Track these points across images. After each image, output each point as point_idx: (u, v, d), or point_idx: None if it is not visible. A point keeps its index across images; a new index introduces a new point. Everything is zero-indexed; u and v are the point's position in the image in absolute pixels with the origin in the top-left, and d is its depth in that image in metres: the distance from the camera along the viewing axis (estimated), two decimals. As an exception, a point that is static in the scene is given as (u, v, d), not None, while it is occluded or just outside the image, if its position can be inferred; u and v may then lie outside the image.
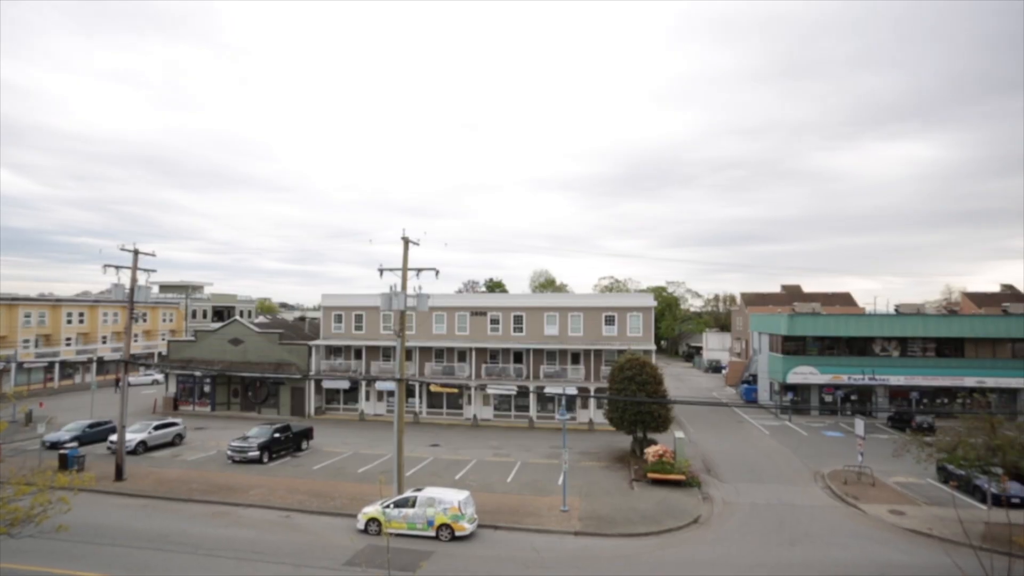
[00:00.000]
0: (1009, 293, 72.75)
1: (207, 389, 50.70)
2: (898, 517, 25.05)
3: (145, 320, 74.30)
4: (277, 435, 34.47)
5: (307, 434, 37.15)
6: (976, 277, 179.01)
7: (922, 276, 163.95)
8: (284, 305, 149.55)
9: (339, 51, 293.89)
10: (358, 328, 50.42)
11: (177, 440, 37.50)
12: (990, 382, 47.30)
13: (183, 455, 34.89)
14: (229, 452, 33.22)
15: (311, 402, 48.62)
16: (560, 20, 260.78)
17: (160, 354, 72.80)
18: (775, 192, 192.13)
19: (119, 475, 29.07)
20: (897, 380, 48.91)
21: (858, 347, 50.60)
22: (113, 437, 34.41)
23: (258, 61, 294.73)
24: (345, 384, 48.92)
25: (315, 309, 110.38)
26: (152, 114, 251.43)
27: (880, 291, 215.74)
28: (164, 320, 78.81)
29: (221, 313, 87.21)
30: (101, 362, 66.60)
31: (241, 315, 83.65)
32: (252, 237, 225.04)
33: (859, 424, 31.85)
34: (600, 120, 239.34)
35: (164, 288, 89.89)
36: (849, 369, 49.25)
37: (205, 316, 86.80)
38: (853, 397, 50.89)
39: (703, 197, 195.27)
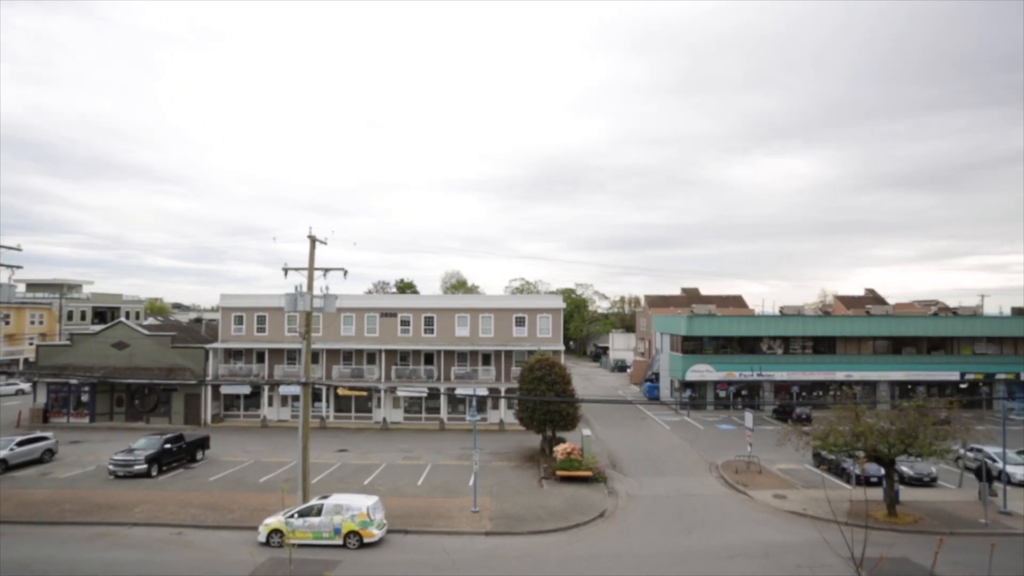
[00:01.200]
0: (871, 296, 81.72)
1: (85, 398, 46.09)
2: (780, 501, 27.40)
3: (8, 322, 66.30)
4: (168, 445, 32.03)
5: (203, 443, 34.84)
6: (846, 282, 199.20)
7: (802, 280, 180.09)
8: (178, 306, 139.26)
9: (236, 39, 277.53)
10: (260, 330, 47.90)
11: (47, 456, 33.78)
12: (856, 375, 52.87)
13: (54, 472, 31.52)
14: (111, 467, 30.39)
15: (208, 409, 45.57)
16: (473, 23, 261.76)
17: (27, 360, 65.30)
18: (677, 200, 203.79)
19: (-25, 498, 25.76)
20: (781, 375, 53.45)
21: (748, 346, 54.74)
22: (-33, 455, 30.43)
23: (144, 40, 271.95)
24: (246, 389, 46.31)
25: (213, 310, 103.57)
26: (15, 90, 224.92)
27: (767, 294, 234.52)
28: (33, 323, 70.72)
29: (103, 315, 79.59)
30: (-48, 370, 58.73)
31: (127, 316, 77.05)
32: (140, 232, 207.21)
33: (748, 417, 34.48)
34: (512, 124, 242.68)
35: (33, 287, 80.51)
36: (741, 366, 53.18)
37: (84, 318, 78.84)
38: (744, 392, 54.96)
39: (611, 202, 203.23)
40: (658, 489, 29.64)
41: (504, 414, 45.90)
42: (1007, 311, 63.27)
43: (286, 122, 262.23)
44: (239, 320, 48.11)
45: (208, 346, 46.43)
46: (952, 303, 68.44)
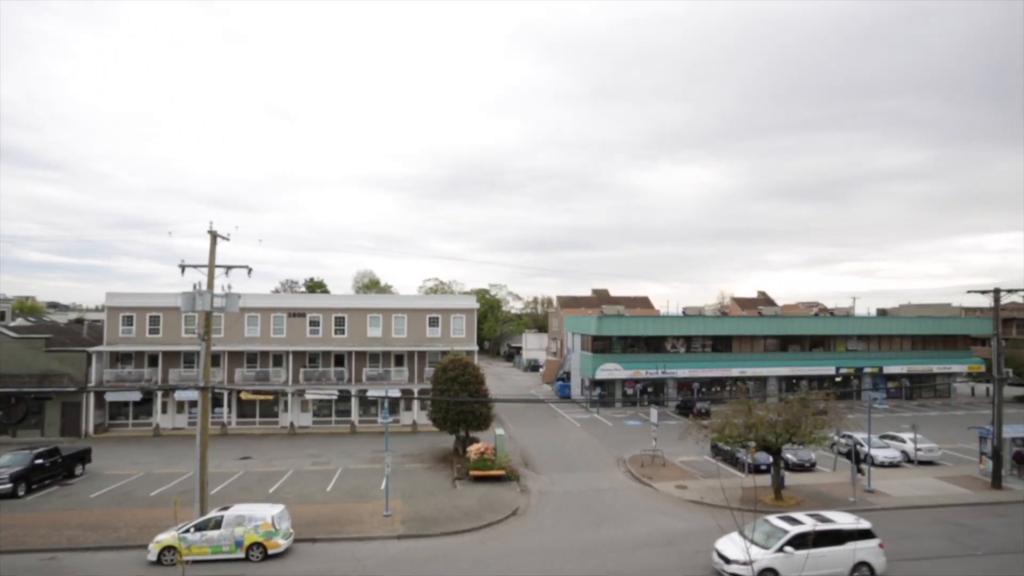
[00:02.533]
0: (763, 298, 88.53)
1: (-64, 410, 40.57)
2: (682, 491, 29.06)
3: None
4: (39, 461, 28.89)
5: (83, 457, 31.80)
6: (741, 284, 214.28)
7: (703, 283, 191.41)
8: (54, 305, 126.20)
9: (128, 13, 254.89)
10: (154, 331, 44.35)
11: None
12: (749, 371, 56.98)
13: None
14: (-33, 487, 26.96)
15: (90, 419, 41.55)
16: (386, 20, 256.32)
17: None
18: (589, 203, 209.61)
19: None
20: (684, 373, 56.54)
21: (654, 345, 57.50)
22: None
23: (11, 5, 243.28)
24: (136, 396, 42.62)
25: (98, 310, 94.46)
26: None
27: (671, 295, 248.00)
28: None
29: (-41, 315, 70.37)
30: None
31: (-11, 317, 68.65)
32: (6, 222, 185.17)
33: (653, 413, 36.23)
34: (427, 122, 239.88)
35: None
36: (647, 365, 55.71)
37: (-66, 318, 69.33)
38: (650, 389, 57.68)
39: (525, 204, 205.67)
40: (569, 485, 30.48)
41: (417, 415, 45.37)
42: (873, 312, 70.93)
43: (183, 107, 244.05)
44: (128, 321, 44.29)
45: (91, 349, 42.39)
46: (830, 305, 75.63)
